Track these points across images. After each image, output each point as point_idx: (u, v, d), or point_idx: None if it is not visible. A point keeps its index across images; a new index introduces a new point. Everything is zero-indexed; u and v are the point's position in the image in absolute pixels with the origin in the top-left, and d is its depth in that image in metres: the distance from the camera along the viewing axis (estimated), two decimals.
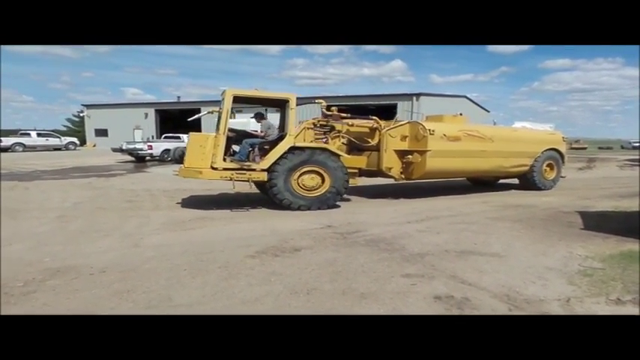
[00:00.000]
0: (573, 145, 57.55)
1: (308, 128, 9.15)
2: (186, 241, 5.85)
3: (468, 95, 41.73)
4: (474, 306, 3.71)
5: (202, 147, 8.07)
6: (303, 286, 4.16)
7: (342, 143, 9.51)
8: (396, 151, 9.75)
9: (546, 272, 4.64)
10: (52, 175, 14.99)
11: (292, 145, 8.24)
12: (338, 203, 8.68)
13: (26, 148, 32.12)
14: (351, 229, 6.64)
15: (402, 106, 31.83)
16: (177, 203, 9.04)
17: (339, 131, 9.41)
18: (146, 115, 42.37)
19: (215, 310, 3.58)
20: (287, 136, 8.39)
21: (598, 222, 7.23)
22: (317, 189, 8.41)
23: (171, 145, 22.53)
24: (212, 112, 8.79)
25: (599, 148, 60.95)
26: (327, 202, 8.44)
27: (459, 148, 10.04)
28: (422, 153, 9.57)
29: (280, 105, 9.38)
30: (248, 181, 8.19)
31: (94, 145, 42.90)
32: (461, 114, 12.16)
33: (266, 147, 8.48)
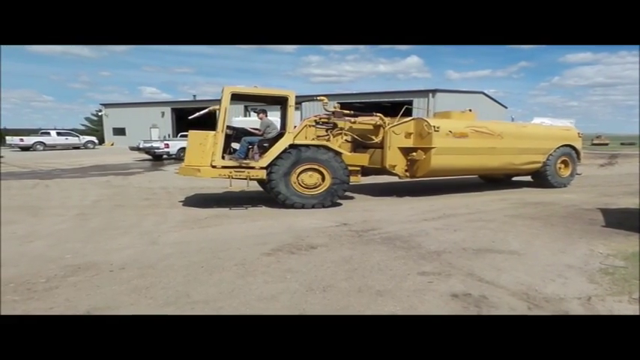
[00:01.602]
0: (594, 141, 56.37)
1: (309, 126, 9.03)
2: (202, 239, 5.90)
3: (486, 91, 41.15)
4: (492, 304, 3.67)
5: (202, 145, 8.03)
6: (319, 283, 4.17)
7: (346, 141, 9.39)
8: (400, 148, 9.59)
9: (566, 270, 4.56)
10: (72, 174, 15.28)
11: (291, 142, 8.17)
12: (344, 201, 8.64)
13: (46, 146, 32.82)
14: (366, 227, 6.62)
15: (417, 103, 31.61)
16: (194, 201, 9.13)
17: (342, 128, 9.29)
18: (162, 113, 42.84)
19: (232, 307, 3.61)
20: (286, 133, 8.32)
21: (620, 219, 7.07)
22: (317, 187, 8.33)
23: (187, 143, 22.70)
24: (213, 110, 8.66)
25: (622, 144, 59.54)
26: (327, 200, 8.33)
27: (466, 145, 9.83)
28: (426, 150, 9.42)
29: (280, 102, 9.27)
30: (247, 179, 8.12)
31: (112, 144, 43.59)
32: (470, 110, 11.85)
33: (265, 145, 8.40)
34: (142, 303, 3.69)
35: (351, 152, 9.22)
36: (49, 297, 3.81)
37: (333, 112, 9.26)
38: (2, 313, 3.49)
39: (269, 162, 8.11)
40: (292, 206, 8.09)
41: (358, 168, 8.90)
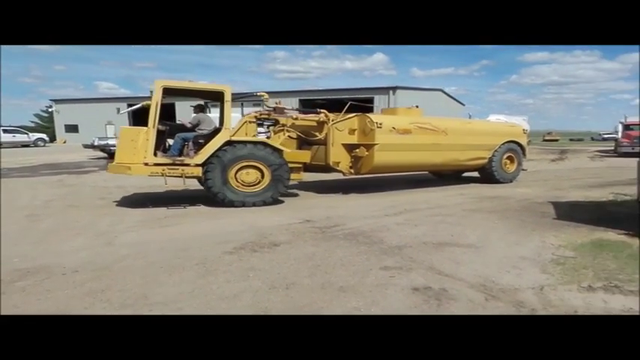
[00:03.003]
0: (546, 138, 59.08)
1: (249, 122, 8.80)
2: (162, 239, 5.74)
3: (446, 89, 42.29)
4: (452, 296, 3.76)
5: (134, 142, 7.68)
6: (282, 281, 4.14)
7: (290, 137, 9.29)
8: (344, 145, 9.51)
9: (521, 262, 4.74)
10: (21, 173, 14.51)
11: (228, 139, 7.96)
12: (307, 198, 8.64)
13: None
14: (329, 224, 6.64)
15: (378, 100, 32.04)
16: (152, 200, 8.86)
17: (284, 125, 9.11)
18: (118, 110, 41.35)
19: (193, 308, 3.53)
20: (222, 130, 8.09)
21: (570, 212, 7.43)
22: (256, 184, 8.14)
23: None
24: (147, 105, 8.07)
25: (571, 140, 62.71)
26: (267, 198, 8.18)
27: (410, 141, 9.84)
28: (369, 147, 9.37)
29: (217, 98, 8.89)
30: (181, 177, 7.84)
31: (65, 142, 41.73)
32: (417, 106, 11.99)
33: (200, 141, 8.15)
34: (97, 306, 3.54)
35: (296, 149, 9.12)
36: None
37: (274, 109, 9.11)
38: (2, 313, 3.36)
39: (204, 159, 7.84)
40: (232, 205, 7.87)
41: (300, 165, 8.79)
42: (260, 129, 9.57)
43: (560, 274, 4.33)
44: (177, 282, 4.11)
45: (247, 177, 8.07)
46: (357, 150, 9.46)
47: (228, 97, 8.17)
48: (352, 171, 9.76)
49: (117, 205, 8.25)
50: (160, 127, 7.90)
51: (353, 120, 9.65)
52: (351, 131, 9.58)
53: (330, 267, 4.55)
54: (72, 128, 43.24)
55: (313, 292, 3.88)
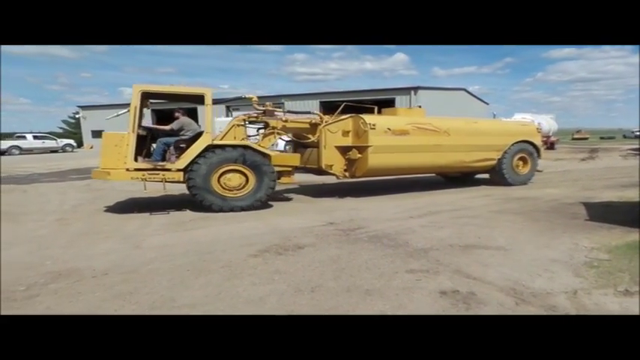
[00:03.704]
0: (575, 136, 57.58)
1: (238, 125, 8.65)
2: (187, 242, 5.80)
3: (469, 88, 41.70)
4: (481, 300, 3.68)
5: (117, 147, 7.60)
6: (307, 284, 4.12)
7: (283, 140, 9.14)
8: (337, 147, 9.28)
9: (552, 265, 4.60)
10: (50, 178, 14.92)
11: (209, 143, 7.82)
12: (329, 200, 8.59)
13: (23, 151, 32.00)
14: (353, 226, 6.60)
15: (400, 101, 31.80)
16: (177, 203, 8.97)
17: (274, 128, 8.94)
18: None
19: (219, 310, 3.54)
20: (204, 134, 7.95)
21: (602, 213, 7.20)
22: (240, 189, 7.97)
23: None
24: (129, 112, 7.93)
25: (601, 138, 60.88)
26: (253, 202, 7.99)
27: (407, 142, 9.51)
28: (363, 149, 9.09)
29: (198, 101, 8.63)
30: (162, 182, 7.74)
31: (91, 147, 42.69)
32: (420, 106, 11.72)
33: (182, 146, 8.02)
34: (127, 309, 3.59)
35: (293, 152, 8.98)
36: (29, 305, 3.68)
37: (264, 111, 8.96)
38: (2, 313, 3.42)
39: (186, 164, 7.72)
40: (220, 210, 7.76)
41: (290, 169, 8.64)
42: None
43: (594, 277, 4.19)
44: (204, 285, 4.14)
45: (231, 181, 7.92)
46: (350, 152, 9.22)
47: (208, 101, 8.01)
48: (347, 174, 9.50)
49: (142, 209, 8.38)
50: (140, 131, 7.84)
51: (347, 121, 9.41)
52: (345, 133, 9.35)
53: (355, 270, 4.52)
54: (98, 134, 44.12)
55: (339, 295, 3.85)
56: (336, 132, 9.28)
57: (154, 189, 8.25)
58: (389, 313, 3.48)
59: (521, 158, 11.46)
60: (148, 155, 8.18)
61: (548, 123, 32.79)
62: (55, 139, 35.93)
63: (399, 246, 5.42)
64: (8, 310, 3.56)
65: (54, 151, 34.13)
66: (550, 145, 32.21)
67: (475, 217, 7.14)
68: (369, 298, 3.76)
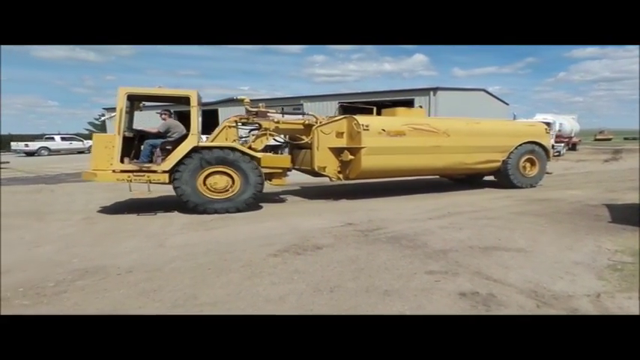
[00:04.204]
0: (597, 137, 56.19)
1: (229, 127, 8.64)
2: (208, 241, 5.91)
3: (489, 88, 41.11)
4: (501, 302, 3.66)
5: (107, 148, 7.64)
6: (326, 284, 4.17)
7: (276, 141, 9.11)
8: (331, 149, 9.14)
9: (574, 267, 4.54)
10: (77, 178, 15.30)
11: (195, 145, 7.82)
12: (348, 200, 8.60)
13: (51, 151, 32.99)
14: (371, 227, 6.61)
15: (418, 102, 31.57)
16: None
17: (267, 129, 8.92)
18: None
19: (240, 309, 3.61)
20: (190, 135, 7.93)
21: (626, 215, 7.04)
22: (226, 191, 7.96)
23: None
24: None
25: (625, 138, 59.24)
26: (239, 204, 7.97)
27: (403, 144, 9.28)
28: (356, 150, 8.95)
29: (184, 103, 8.49)
30: (147, 183, 7.79)
31: None
32: (421, 106, 11.55)
33: (168, 147, 8.02)
34: (150, 306, 3.70)
35: (289, 153, 8.97)
36: (58, 301, 3.83)
37: (256, 112, 8.95)
38: (2, 313, 3.52)
39: (171, 165, 7.74)
40: (205, 212, 7.77)
41: (280, 170, 8.62)
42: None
43: (617, 280, 4.12)
44: (225, 283, 4.22)
45: (217, 183, 7.93)
46: (342, 154, 9.11)
47: (194, 102, 8.00)
48: (340, 176, 9.35)
49: (166, 209, 8.55)
50: (127, 133, 7.90)
51: (341, 122, 9.30)
52: (339, 134, 9.22)
53: (374, 270, 4.54)
54: None
55: (357, 295, 3.88)
56: (329, 133, 9.16)
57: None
58: (408, 313, 3.50)
59: (528, 160, 11.05)
60: (138, 157, 8.27)
61: (570, 123, 32.13)
62: (82, 140, 36.82)
63: (418, 247, 5.42)
64: (37, 306, 3.71)
65: (80, 151, 34.99)
66: (572, 146, 31.55)
67: (495, 219, 7.07)
68: (387, 299, 3.79)
